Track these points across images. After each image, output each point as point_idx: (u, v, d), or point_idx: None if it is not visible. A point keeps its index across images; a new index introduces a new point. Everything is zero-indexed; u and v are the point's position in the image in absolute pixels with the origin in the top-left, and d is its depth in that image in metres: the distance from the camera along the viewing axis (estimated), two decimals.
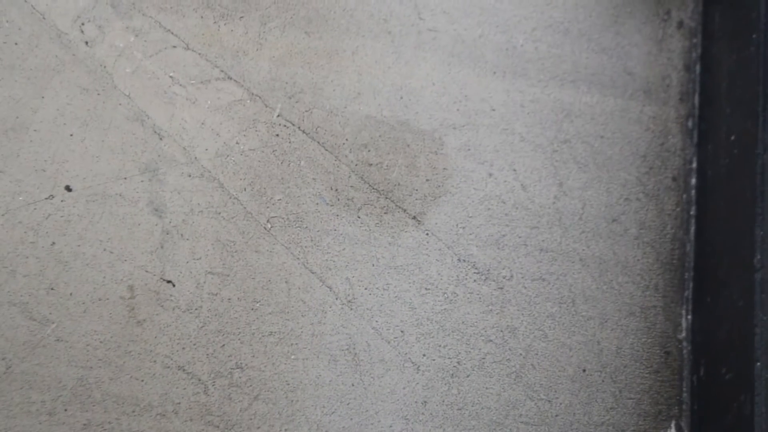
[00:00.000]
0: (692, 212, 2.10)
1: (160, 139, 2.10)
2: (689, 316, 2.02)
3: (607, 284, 2.04)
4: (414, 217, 2.07)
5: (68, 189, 2.05)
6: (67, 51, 2.16)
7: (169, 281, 2.00)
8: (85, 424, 1.92)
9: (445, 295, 2.02)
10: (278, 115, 2.14)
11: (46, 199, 2.04)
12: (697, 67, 2.21)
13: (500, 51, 2.21)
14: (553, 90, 2.18)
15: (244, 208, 2.06)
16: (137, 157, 2.08)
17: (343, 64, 2.18)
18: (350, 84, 2.16)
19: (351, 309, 2.00)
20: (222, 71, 2.16)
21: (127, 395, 1.92)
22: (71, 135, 2.09)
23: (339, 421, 1.95)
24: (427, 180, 2.10)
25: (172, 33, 2.19)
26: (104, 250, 2.02)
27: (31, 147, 2.07)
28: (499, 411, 1.96)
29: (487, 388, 1.96)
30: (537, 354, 1.99)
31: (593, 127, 2.15)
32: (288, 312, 1.99)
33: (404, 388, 1.95)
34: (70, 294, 1.98)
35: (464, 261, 2.04)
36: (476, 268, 2.04)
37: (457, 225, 2.07)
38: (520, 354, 1.98)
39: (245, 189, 2.07)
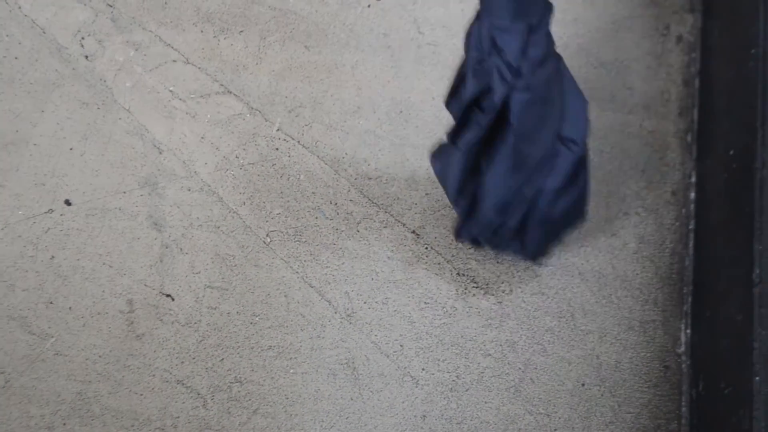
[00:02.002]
0: (691, 226, 2.10)
1: (160, 153, 2.10)
2: (688, 331, 2.02)
3: (606, 298, 2.04)
4: (413, 231, 2.07)
5: (68, 203, 2.06)
6: (67, 65, 2.17)
7: (168, 295, 2.01)
8: None
9: (444, 309, 2.02)
10: (278, 129, 2.14)
11: (46, 213, 2.04)
12: (696, 82, 2.21)
13: None
14: None
15: (244, 222, 2.06)
16: (137, 171, 2.08)
17: (343, 79, 2.18)
18: (350, 98, 2.17)
19: (350, 323, 2.00)
20: (222, 85, 2.17)
21: (126, 409, 1.92)
22: (71, 149, 2.09)
23: None
24: (427, 194, 2.10)
25: (172, 47, 2.20)
26: (103, 264, 2.02)
27: (30, 161, 2.07)
28: (498, 425, 1.96)
29: (486, 403, 1.96)
30: (536, 368, 1.99)
31: (592, 142, 2.15)
32: (287, 326, 1.99)
33: (403, 402, 1.95)
34: (70, 308, 1.99)
35: (463, 275, 2.04)
36: (475, 282, 2.04)
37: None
38: (519, 368, 1.98)
39: (245, 203, 2.08)
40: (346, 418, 1.93)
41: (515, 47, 1.57)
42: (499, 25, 1.54)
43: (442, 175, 1.87)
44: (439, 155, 1.85)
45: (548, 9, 1.60)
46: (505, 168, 1.71)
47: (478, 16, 1.58)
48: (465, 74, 1.65)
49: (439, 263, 2.05)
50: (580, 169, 1.80)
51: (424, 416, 1.94)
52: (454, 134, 1.75)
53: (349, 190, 2.09)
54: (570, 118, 1.74)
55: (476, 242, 2.03)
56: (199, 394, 1.94)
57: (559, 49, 2.23)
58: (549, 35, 1.66)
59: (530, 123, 1.66)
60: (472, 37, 1.60)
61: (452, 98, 1.74)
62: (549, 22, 1.62)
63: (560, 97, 1.71)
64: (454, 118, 1.75)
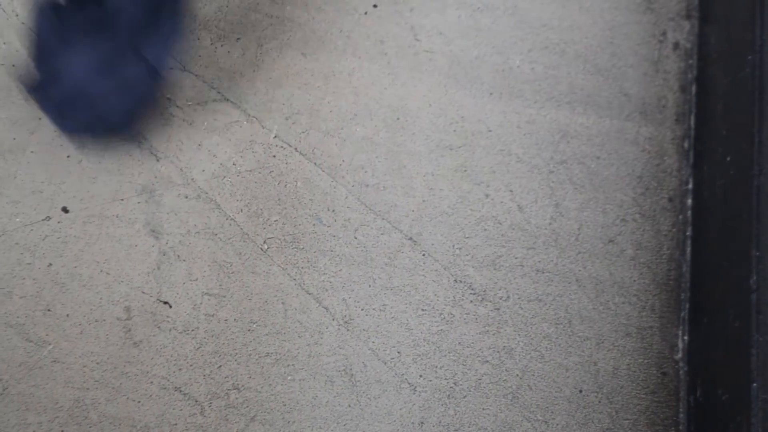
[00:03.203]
0: (688, 233, 2.10)
1: (157, 160, 2.10)
2: (685, 337, 2.02)
3: (604, 305, 2.04)
4: (410, 238, 2.07)
5: (65, 210, 2.05)
6: None
7: (165, 302, 2.00)
8: None
9: (442, 316, 2.02)
10: (275, 137, 2.14)
11: (43, 220, 2.04)
12: (693, 88, 2.21)
13: (496, 72, 2.22)
14: (550, 111, 2.19)
15: (241, 229, 2.06)
16: (134, 178, 2.08)
17: (340, 86, 2.18)
18: (347, 105, 2.17)
19: (347, 330, 2.00)
20: (219, 93, 2.17)
21: (124, 416, 1.92)
22: (68, 156, 2.09)
23: None
24: (424, 201, 2.10)
25: None
26: (101, 271, 2.02)
27: (28, 169, 2.07)
28: None
29: (483, 409, 1.96)
30: (533, 375, 1.99)
31: (589, 148, 2.16)
32: (284, 333, 1.99)
33: (401, 409, 1.95)
34: (67, 315, 1.98)
35: (461, 282, 2.04)
36: (473, 289, 2.04)
37: (453, 246, 2.07)
38: (517, 375, 1.98)
39: (242, 210, 2.08)
40: (344, 425, 1.93)
41: None
42: None
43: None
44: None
45: None
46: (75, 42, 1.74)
47: None
48: None
49: (436, 270, 2.05)
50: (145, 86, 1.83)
51: (422, 423, 1.94)
52: None
53: (346, 197, 2.09)
54: (153, 39, 1.73)
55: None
56: (196, 401, 1.94)
57: (555, 56, 2.24)
58: None
59: (125, 22, 1.67)
60: None
61: None
62: None
63: (164, 18, 1.71)
64: None
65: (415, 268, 2.05)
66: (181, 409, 1.93)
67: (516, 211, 2.10)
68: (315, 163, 2.12)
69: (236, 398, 1.95)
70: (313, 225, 2.07)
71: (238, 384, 1.95)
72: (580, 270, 2.06)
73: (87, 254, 2.03)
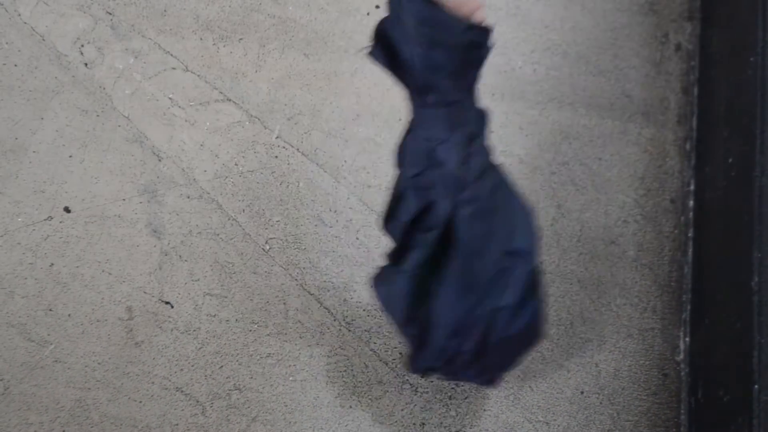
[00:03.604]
0: (690, 234, 2.10)
1: (159, 160, 2.10)
2: (687, 338, 2.02)
3: (605, 306, 2.04)
4: None
5: (67, 210, 2.06)
6: (67, 72, 2.17)
7: (167, 302, 2.01)
8: None
9: None
10: (277, 137, 2.14)
11: (45, 220, 2.04)
12: (695, 90, 2.21)
13: (499, 73, 2.22)
14: (552, 112, 2.18)
15: (243, 229, 2.06)
16: (136, 178, 2.09)
17: (342, 86, 2.18)
18: (349, 106, 2.17)
19: (349, 330, 2.00)
20: (221, 93, 2.17)
21: (125, 417, 1.92)
22: (70, 156, 2.09)
23: None
24: None
25: (172, 55, 2.20)
26: (103, 271, 2.02)
27: (30, 168, 2.07)
28: None
29: (485, 410, 1.96)
30: (535, 376, 1.99)
31: (591, 149, 2.15)
32: (286, 333, 1.99)
33: (402, 410, 1.95)
34: (69, 315, 1.99)
35: None
36: None
37: None
38: (518, 376, 1.98)
39: (244, 210, 2.08)
40: (345, 426, 1.93)
41: (456, 158, 1.49)
42: (436, 137, 1.48)
43: (387, 302, 1.71)
44: (382, 280, 1.68)
45: (484, 116, 1.52)
46: (455, 289, 1.57)
47: (410, 130, 1.52)
48: (402, 193, 1.56)
49: None
50: (535, 281, 1.64)
51: (423, 424, 1.94)
52: (397, 256, 1.62)
53: (348, 198, 2.09)
54: (518, 229, 1.58)
55: (431, 371, 1.82)
56: (198, 402, 1.94)
57: (558, 57, 2.24)
58: (487, 143, 1.55)
59: (478, 238, 1.54)
60: (406, 152, 1.53)
61: (390, 220, 1.62)
62: (487, 129, 1.53)
63: (505, 207, 1.58)
64: (395, 240, 1.64)
65: None
66: (182, 410, 1.93)
67: None
68: (317, 164, 2.12)
69: (238, 399, 1.95)
70: (315, 225, 2.07)
71: (239, 384, 1.95)
72: (581, 271, 2.06)
73: (89, 254, 2.03)
